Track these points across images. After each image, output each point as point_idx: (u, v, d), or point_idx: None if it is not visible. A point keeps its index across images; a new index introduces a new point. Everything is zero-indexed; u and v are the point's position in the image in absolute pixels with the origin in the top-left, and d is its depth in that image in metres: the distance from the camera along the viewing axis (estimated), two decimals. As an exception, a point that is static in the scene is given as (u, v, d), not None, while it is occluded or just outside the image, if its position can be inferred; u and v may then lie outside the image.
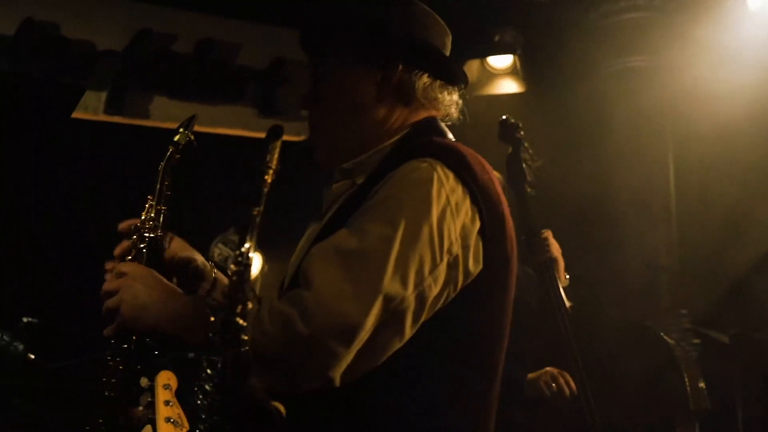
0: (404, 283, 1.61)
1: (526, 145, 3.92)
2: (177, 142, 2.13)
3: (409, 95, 1.91)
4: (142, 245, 1.95)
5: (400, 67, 1.89)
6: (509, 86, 5.69)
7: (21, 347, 3.49)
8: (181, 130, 2.14)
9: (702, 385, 3.64)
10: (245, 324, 1.35)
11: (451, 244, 1.67)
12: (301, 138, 5.48)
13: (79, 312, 3.89)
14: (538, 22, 5.91)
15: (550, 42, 5.90)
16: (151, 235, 1.96)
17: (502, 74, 5.73)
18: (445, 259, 1.67)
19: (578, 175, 5.32)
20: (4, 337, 3.49)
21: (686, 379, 3.57)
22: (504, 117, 3.96)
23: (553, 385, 3.34)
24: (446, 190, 1.69)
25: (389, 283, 1.60)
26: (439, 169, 1.71)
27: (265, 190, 1.52)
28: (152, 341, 1.86)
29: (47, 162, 3.93)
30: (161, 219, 1.99)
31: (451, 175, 1.71)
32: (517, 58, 5.70)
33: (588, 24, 5.70)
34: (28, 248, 3.87)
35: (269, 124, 5.47)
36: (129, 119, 4.88)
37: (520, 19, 5.83)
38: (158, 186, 2.04)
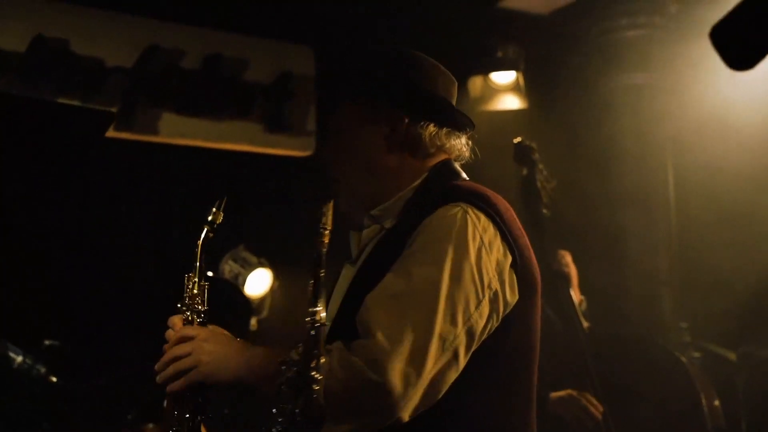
0: (454, 321, 1.77)
1: (540, 166, 3.98)
2: (212, 221, 2.22)
3: (418, 145, 2.05)
4: (192, 319, 2.06)
5: (406, 120, 2.03)
6: (512, 102, 5.72)
7: (43, 370, 3.50)
8: (214, 210, 2.25)
9: (717, 403, 3.70)
10: (320, 377, 1.44)
11: (490, 280, 1.83)
12: (308, 153, 5.53)
13: (99, 333, 3.92)
14: (540, 38, 5.98)
15: (553, 58, 5.97)
16: (201, 308, 2.06)
17: (504, 90, 5.74)
18: (487, 295, 1.82)
19: (580, 190, 5.38)
20: (27, 360, 3.48)
21: (703, 399, 3.63)
22: (519, 139, 4.01)
23: (577, 406, 3.40)
24: (479, 231, 1.84)
25: (442, 323, 1.75)
26: (470, 212, 1.86)
27: (324, 251, 1.65)
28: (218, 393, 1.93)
29: (58, 179, 3.90)
30: (205, 294, 2.10)
31: (482, 217, 1.86)
32: (519, 74, 5.73)
33: (589, 40, 5.77)
34: (47, 269, 3.86)
35: (276, 139, 5.54)
36: (138, 135, 4.87)
37: (523, 35, 5.90)
38: (197, 264, 2.13)
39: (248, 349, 1.88)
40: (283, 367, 1.68)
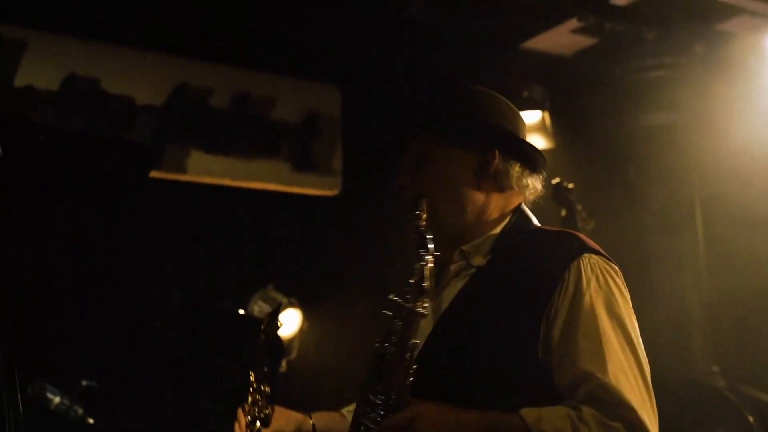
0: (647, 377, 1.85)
1: (579, 207, 3.95)
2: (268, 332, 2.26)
3: (504, 182, 2.05)
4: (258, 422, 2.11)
5: (497, 156, 2.02)
6: (538, 142, 5.72)
7: (80, 411, 3.45)
8: (268, 320, 2.27)
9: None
10: None
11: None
12: (335, 192, 5.52)
13: (136, 375, 3.85)
14: (565, 78, 6.03)
15: (578, 98, 6.00)
16: (267, 412, 2.12)
17: (530, 130, 5.74)
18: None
19: (607, 231, 5.35)
20: (64, 401, 3.43)
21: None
22: (558, 180, 3.99)
23: None
24: (620, 279, 1.95)
25: (648, 379, 1.85)
26: (607, 264, 1.93)
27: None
28: None
29: (95, 216, 3.87)
30: (267, 397, 2.15)
31: (614, 266, 1.95)
32: (545, 114, 5.74)
33: (614, 80, 5.79)
34: (85, 308, 3.81)
35: (303, 178, 5.55)
36: (167, 174, 4.85)
37: (548, 75, 5.94)
38: (257, 371, 2.19)
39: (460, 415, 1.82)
40: None
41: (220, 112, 5.18)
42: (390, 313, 1.87)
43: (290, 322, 4.90)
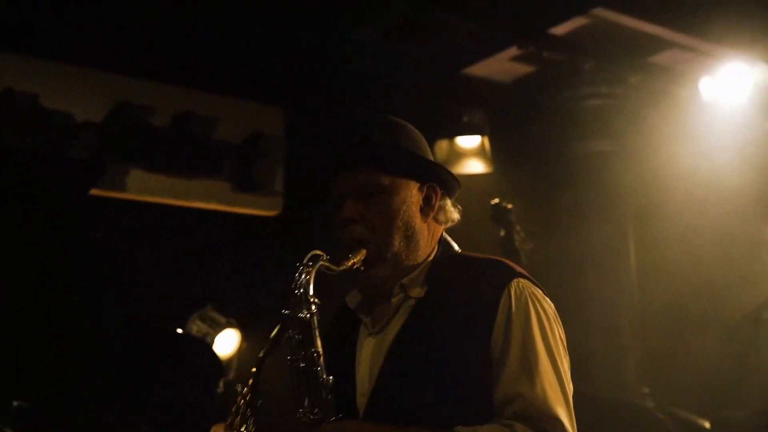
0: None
1: (518, 228, 4.04)
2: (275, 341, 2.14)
3: (440, 215, 2.10)
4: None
5: (438, 190, 2.08)
6: (477, 166, 5.85)
7: None
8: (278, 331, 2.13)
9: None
10: None
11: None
12: (276, 213, 5.54)
13: (68, 396, 3.79)
14: (504, 105, 6.17)
15: (517, 125, 6.15)
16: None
17: (470, 154, 5.88)
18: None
19: (543, 254, 5.47)
20: None
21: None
22: (497, 200, 4.08)
23: None
24: (548, 302, 2.01)
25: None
26: (531, 285, 2.00)
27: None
28: None
29: (23, 234, 3.82)
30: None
31: (540, 289, 2.02)
32: (484, 138, 5.87)
33: (552, 107, 5.98)
34: (16, 327, 3.75)
35: (244, 198, 5.52)
36: (106, 192, 4.81)
37: (488, 101, 6.08)
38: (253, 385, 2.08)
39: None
40: None
41: (162, 130, 5.17)
42: (285, 328, 1.96)
43: (228, 342, 4.89)
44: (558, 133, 5.89)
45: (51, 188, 2.93)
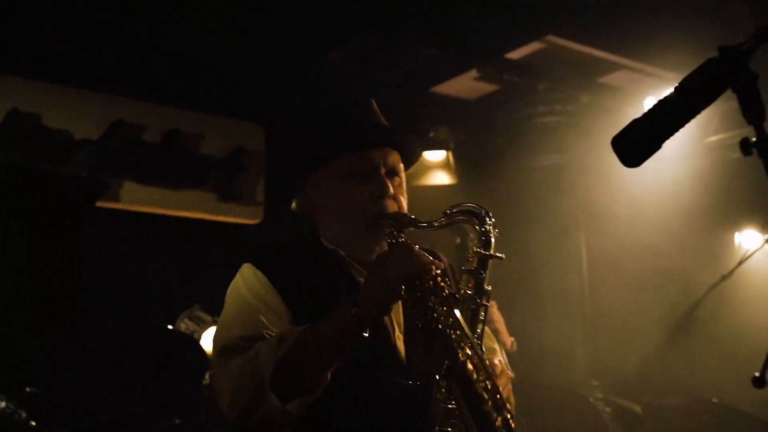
0: None
1: (472, 235, 4.50)
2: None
3: None
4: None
5: None
6: (442, 178, 6.27)
7: (24, 415, 3.75)
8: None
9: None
10: None
11: None
12: (257, 221, 5.96)
13: (75, 383, 4.23)
14: (468, 121, 6.57)
15: (479, 139, 6.56)
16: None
17: (435, 167, 6.30)
18: None
19: (503, 259, 5.89)
20: (9, 405, 3.74)
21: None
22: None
23: None
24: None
25: None
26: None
27: None
28: None
29: (32, 242, 4.23)
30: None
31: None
32: (449, 153, 6.28)
33: (511, 124, 6.37)
34: (29, 327, 4.15)
35: (228, 208, 5.94)
36: (103, 202, 5.18)
37: (453, 118, 6.48)
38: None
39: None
40: None
41: (153, 146, 5.56)
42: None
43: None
44: (516, 147, 6.27)
45: (60, 202, 3.34)
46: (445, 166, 6.30)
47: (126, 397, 4.21)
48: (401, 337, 2.15)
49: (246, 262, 2.20)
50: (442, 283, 1.94)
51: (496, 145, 6.44)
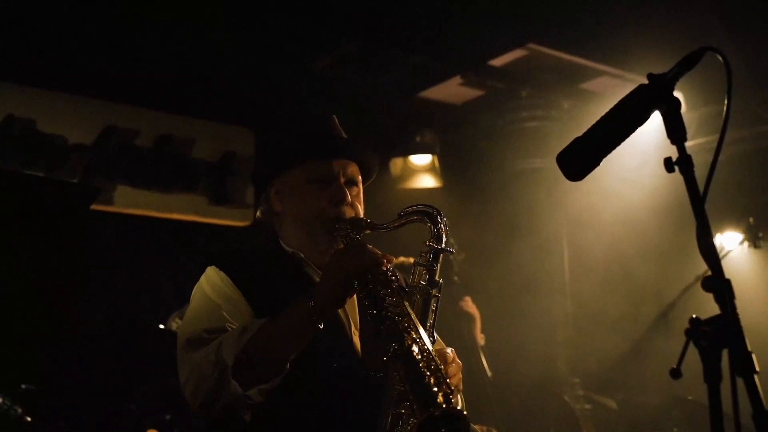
0: None
1: (451, 240, 4.66)
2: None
3: None
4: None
5: None
6: (428, 181, 6.42)
7: (19, 411, 3.91)
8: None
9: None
10: None
11: None
12: (247, 223, 6.10)
13: (67, 380, 4.39)
14: (453, 126, 6.71)
15: (464, 143, 6.71)
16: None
17: (422, 170, 6.45)
18: None
19: (486, 258, 6.07)
20: (6, 401, 3.90)
21: (583, 432, 4.32)
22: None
23: None
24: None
25: None
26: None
27: None
28: None
29: (30, 244, 4.35)
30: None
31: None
32: (435, 157, 6.44)
33: (496, 128, 6.54)
34: (23, 325, 4.30)
35: (218, 210, 6.06)
36: (96, 206, 5.31)
37: (439, 123, 6.63)
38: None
39: None
40: None
41: (145, 151, 5.69)
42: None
43: None
44: (500, 150, 6.45)
45: (54, 207, 3.48)
46: (431, 169, 6.45)
47: (118, 394, 4.36)
48: (357, 333, 2.30)
49: (209, 265, 2.33)
50: (393, 277, 2.09)
51: (481, 149, 6.59)
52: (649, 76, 1.67)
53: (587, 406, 5.56)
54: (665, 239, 6.08)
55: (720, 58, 1.60)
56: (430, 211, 2.29)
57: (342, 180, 2.34)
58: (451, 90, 6.43)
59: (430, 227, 2.26)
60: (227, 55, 5.46)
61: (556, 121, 6.38)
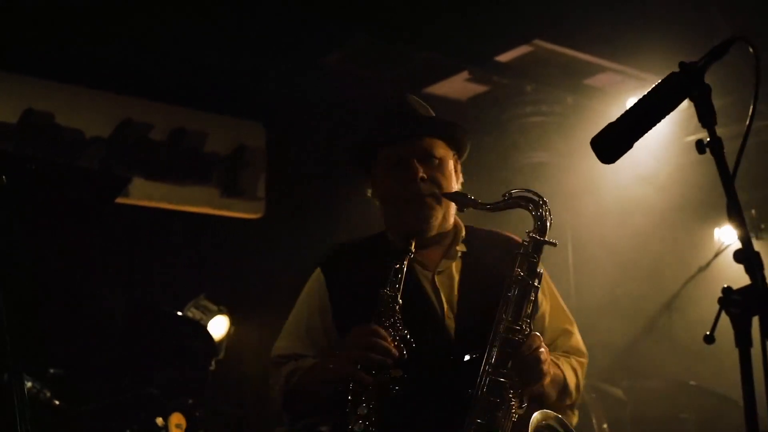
0: None
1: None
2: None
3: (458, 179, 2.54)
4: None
5: (459, 164, 2.57)
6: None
7: (48, 394, 3.99)
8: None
9: (606, 426, 4.50)
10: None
11: None
12: (259, 215, 6.20)
13: (95, 365, 4.48)
14: (460, 120, 6.74)
15: (470, 138, 6.76)
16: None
17: (428, 165, 6.50)
18: None
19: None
20: (35, 385, 3.99)
21: (593, 420, 4.41)
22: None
23: None
24: None
25: None
26: None
27: None
28: None
29: (53, 235, 4.43)
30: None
31: None
32: (440, 151, 6.49)
33: (501, 123, 6.59)
34: (50, 312, 4.39)
35: (231, 203, 6.20)
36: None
37: (445, 117, 6.66)
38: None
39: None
40: None
41: (160, 144, 5.78)
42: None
43: (219, 327, 5.51)
44: (505, 145, 6.52)
45: (82, 197, 3.57)
46: (436, 163, 6.49)
47: (140, 379, 4.46)
48: (451, 315, 2.35)
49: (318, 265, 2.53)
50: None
51: (485, 144, 6.66)
52: (681, 65, 1.79)
53: (593, 396, 5.66)
54: (671, 232, 6.17)
55: (750, 48, 1.71)
56: (536, 199, 2.35)
57: (414, 159, 2.35)
58: (457, 85, 6.47)
59: (534, 216, 2.33)
60: (239, 51, 5.53)
61: (559, 116, 6.44)
